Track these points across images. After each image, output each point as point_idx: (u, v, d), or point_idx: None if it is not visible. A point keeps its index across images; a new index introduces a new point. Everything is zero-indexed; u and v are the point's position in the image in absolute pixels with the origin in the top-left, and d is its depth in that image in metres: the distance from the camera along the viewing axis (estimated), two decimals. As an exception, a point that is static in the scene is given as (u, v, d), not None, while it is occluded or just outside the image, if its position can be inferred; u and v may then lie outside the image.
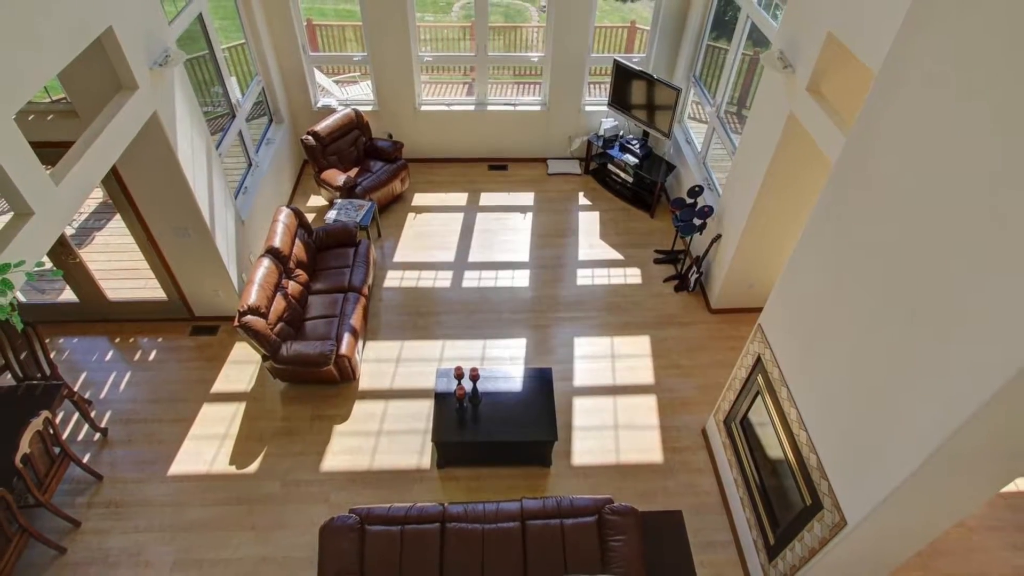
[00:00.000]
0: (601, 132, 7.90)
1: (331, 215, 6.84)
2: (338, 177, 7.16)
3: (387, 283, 6.75)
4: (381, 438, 5.33)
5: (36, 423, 4.27)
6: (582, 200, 7.90)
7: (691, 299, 6.62)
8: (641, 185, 7.70)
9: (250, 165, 6.90)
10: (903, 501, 2.92)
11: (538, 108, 8.06)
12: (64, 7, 3.48)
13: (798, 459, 3.71)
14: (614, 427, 5.44)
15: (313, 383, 5.67)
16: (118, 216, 5.44)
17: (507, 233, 7.39)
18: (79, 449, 5.20)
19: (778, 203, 5.36)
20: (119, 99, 4.19)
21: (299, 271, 6.00)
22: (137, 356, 5.94)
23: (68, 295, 6.03)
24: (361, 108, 7.76)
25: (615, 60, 7.33)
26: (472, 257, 7.07)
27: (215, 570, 4.51)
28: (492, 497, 4.94)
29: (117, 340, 6.08)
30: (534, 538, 4.07)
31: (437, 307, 6.49)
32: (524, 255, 7.11)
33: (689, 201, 6.45)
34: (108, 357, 5.94)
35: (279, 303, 5.47)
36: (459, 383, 4.94)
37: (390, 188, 7.48)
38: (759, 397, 4.24)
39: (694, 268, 6.51)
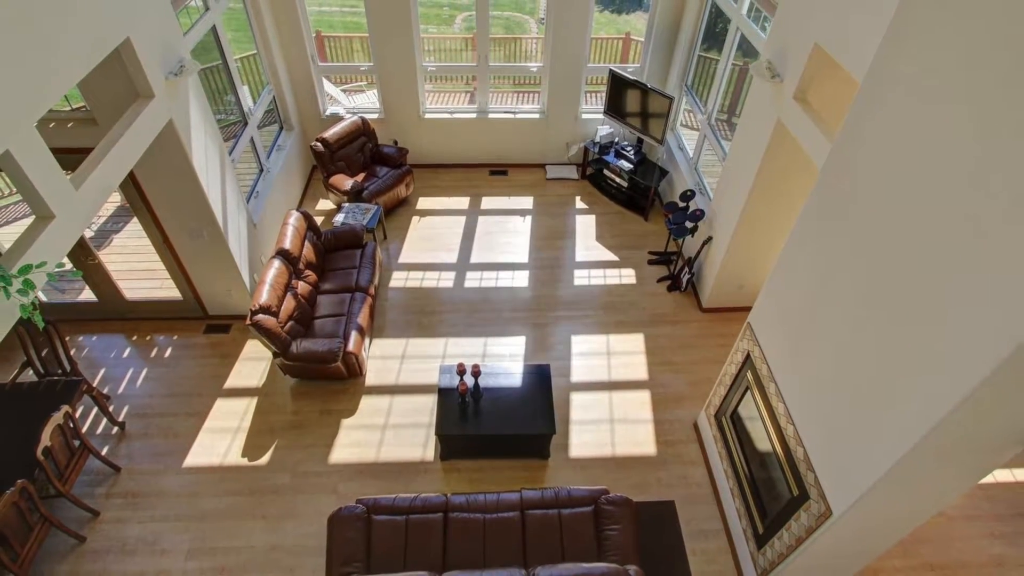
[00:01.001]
0: (597, 139, 7.90)
1: (339, 218, 6.84)
2: (346, 182, 7.17)
3: (392, 283, 6.75)
4: (387, 431, 5.33)
5: (57, 417, 4.27)
6: (579, 204, 7.90)
7: (683, 299, 6.62)
8: (635, 189, 7.69)
9: (261, 170, 6.90)
10: (886, 492, 2.92)
11: (537, 116, 8.06)
12: (84, 19, 3.48)
13: (785, 452, 3.71)
14: (609, 421, 5.44)
15: (322, 379, 5.67)
16: (135, 219, 5.43)
17: (507, 235, 7.39)
18: (98, 442, 5.20)
19: (767, 207, 5.36)
20: (136, 107, 4.19)
21: (308, 272, 6.00)
22: (153, 353, 5.94)
23: (87, 295, 6.03)
24: (368, 116, 7.77)
25: (611, 70, 7.33)
26: (474, 258, 7.07)
27: (228, 558, 4.51)
28: (493, 488, 4.94)
29: (134, 338, 6.08)
30: (533, 527, 4.07)
31: (440, 306, 6.49)
32: (524, 256, 7.10)
33: (681, 205, 6.45)
34: (125, 354, 5.94)
35: (289, 302, 5.47)
36: (461, 379, 4.93)
37: (395, 192, 7.47)
38: (748, 392, 4.24)
39: (686, 269, 6.51)
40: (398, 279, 6.80)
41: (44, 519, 4.18)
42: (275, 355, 5.26)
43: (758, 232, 5.59)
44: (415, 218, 7.62)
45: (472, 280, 6.80)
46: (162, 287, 6.23)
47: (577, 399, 5.61)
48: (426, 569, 3.90)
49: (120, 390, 5.61)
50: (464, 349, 6.05)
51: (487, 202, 7.90)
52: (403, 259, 7.05)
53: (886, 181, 2.76)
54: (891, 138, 2.73)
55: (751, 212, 5.40)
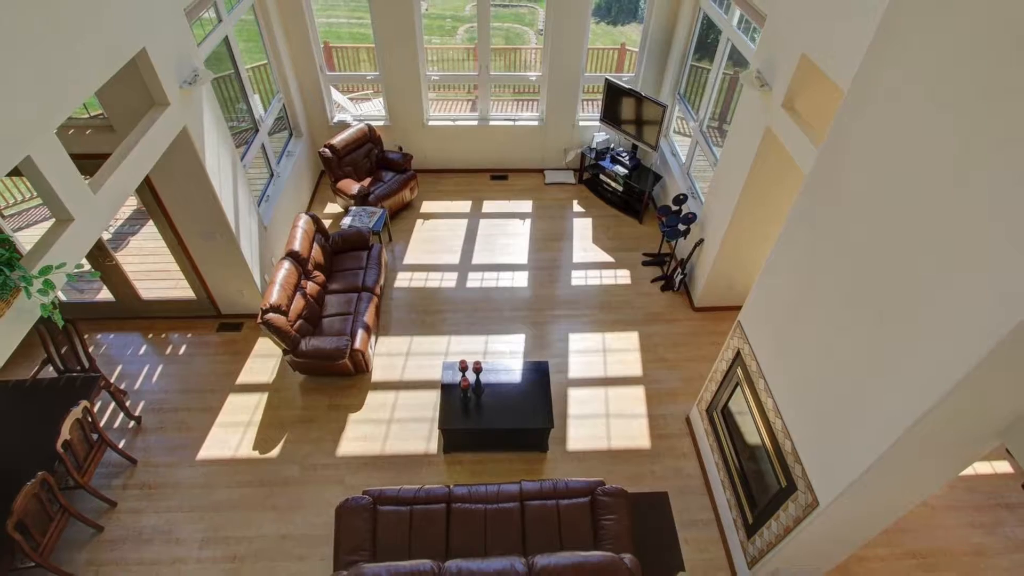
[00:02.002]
0: (594, 145, 7.90)
1: (346, 221, 6.84)
2: (353, 186, 7.17)
3: (397, 283, 6.75)
4: (392, 425, 5.33)
5: (76, 412, 4.27)
6: (576, 207, 7.90)
7: (676, 298, 6.62)
8: (630, 194, 7.69)
9: (272, 175, 6.89)
10: (870, 483, 2.92)
11: (536, 123, 8.06)
12: (101, 30, 3.48)
13: (774, 445, 3.71)
14: (605, 415, 5.44)
15: (330, 375, 5.67)
16: (151, 222, 5.44)
17: (507, 238, 7.39)
18: (115, 435, 5.20)
19: (756, 210, 5.36)
20: (152, 115, 4.19)
21: (317, 272, 6.00)
22: (168, 350, 5.94)
23: (105, 294, 6.03)
24: (374, 123, 7.76)
25: (606, 79, 7.33)
26: (475, 260, 7.07)
27: (240, 547, 4.51)
28: (494, 480, 4.94)
29: (150, 336, 6.08)
30: (532, 517, 4.07)
31: (443, 306, 6.49)
32: (523, 258, 7.10)
33: (674, 208, 6.45)
34: (142, 351, 5.94)
35: (298, 302, 5.47)
36: (463, 375, 4.94)
37: (400, 196, 7.47)
38: (738, 388, 4.24)
39: (679, 270, 6.51)
40: (403, 279, 6.80)
41: (63, 509, 4.18)
42: (285, 352, 5.26)
43: (747, 234, 5.59)
44: (419, 221, 7.62)
45: (474, 280, 6.80)
46: (176, 287, 6.23)
47: (574, 394, 5.61)
48: (429, 557, 3.90)
49: (136, 386, 5.61)
50: (466, 347, 6.04)
51: (488, 206, 7.89)
52: (407, 260, 7.05)
53: (869, 185, 2.76)
54: (875, 144, 2.73)
55: (741, 215, 5.40)
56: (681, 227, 6.30)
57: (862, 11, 3.39)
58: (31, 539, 3.89)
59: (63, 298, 6.10)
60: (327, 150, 7.09)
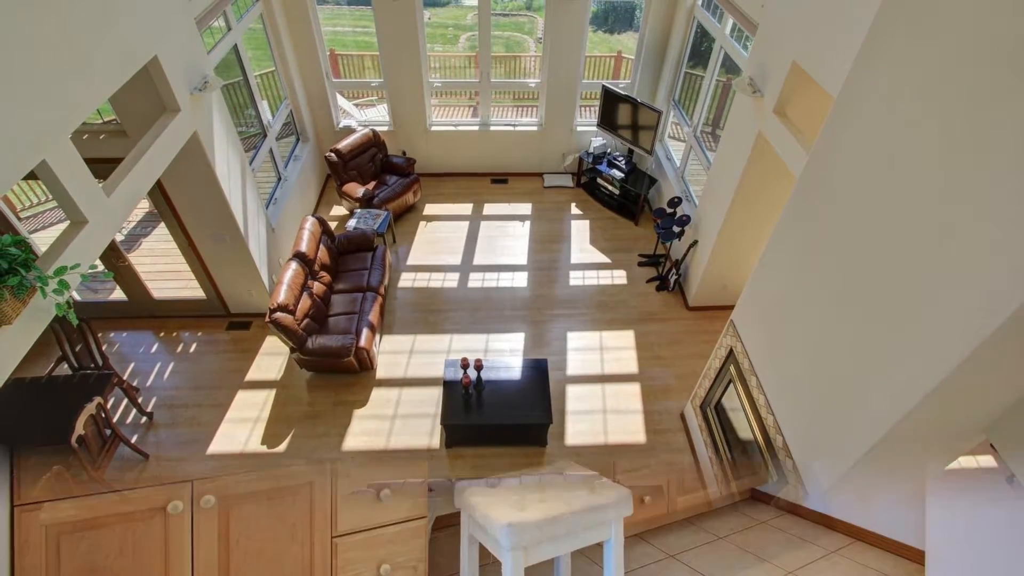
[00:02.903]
0: (591, 149, 7.90)
1: (351, 223, 6.84)
2: (358, 190, 7.17)
3: (401, 284, 6.75)
4: (396, 421, 5.33)
5: (90, 408, 4.27)
6: (574, 210, 7.90)
7: (671, 298, 6.62)
8: (626, 197, 7.69)
9: (279, 179, 6.89)
10: (858, 477, 2.92)
11: (535, 128, 8.06)
12: (114, 39, 3.48)
13: (766, 440, 3.71)
14: (603, 411, 5.44)
15: (335, 372, 5.67)
16: (162, 224, 5.43)
17: (507, 239, 7.39)
18: (128, 431, 5.19)
19: (748, 213, 5.36)
20: (163, 120, 4.19)
21: (323, 273, 6.00)
22: (179, 348, 5.94)
23: (118, 294, 6.03)
24: (378, 128, 7.76)
25: (603, 86, 7.33)
26: (476, 261, 7.07)
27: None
28: (494, 474, 4.93)
29: (161, 334, 6.08)
30: (531, 510, 4.06)
31: (445, 305, 6.49)
32: (523, 259, 7.10)
33: (669, 211, 6.45)
34: (153, 349, 5.93)
35: (305, 301, 5.47)
36: (465, 372, 4.94)
37: (404, 199, 7.47)
38: (731, 385, 4.24)
39: (673, 270, 6.51)
40: (406, 280, 6.80)
41: (78, 502, 4.17)
42: (292, 350, 5.26)
43: (740, 236, 5.58)
44: (422, 223, 7.62)
45: (475, 281, 6.80)
46: (187, 287, 6.22)
47: (572, 391, 5.61)
48: (432, 549, 3.89)
49: (148, 383, 5.61)
50: (467, 345, 6.04)
51: (489, 208, 7.89)
52: (411, 261, 7.05)
53: (858, 189, 2.76)
54: (863, 148, 2.73)
55: (734, 218, 5.40)
56: (676, 229, 6.30)
57: (851, 20, 3.39)
58: (46, 531, 3.88)
59: (77, 298, 6.10)
60: (333, 154, 7.09)
